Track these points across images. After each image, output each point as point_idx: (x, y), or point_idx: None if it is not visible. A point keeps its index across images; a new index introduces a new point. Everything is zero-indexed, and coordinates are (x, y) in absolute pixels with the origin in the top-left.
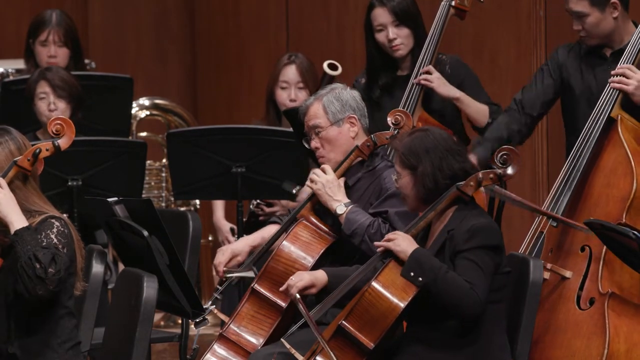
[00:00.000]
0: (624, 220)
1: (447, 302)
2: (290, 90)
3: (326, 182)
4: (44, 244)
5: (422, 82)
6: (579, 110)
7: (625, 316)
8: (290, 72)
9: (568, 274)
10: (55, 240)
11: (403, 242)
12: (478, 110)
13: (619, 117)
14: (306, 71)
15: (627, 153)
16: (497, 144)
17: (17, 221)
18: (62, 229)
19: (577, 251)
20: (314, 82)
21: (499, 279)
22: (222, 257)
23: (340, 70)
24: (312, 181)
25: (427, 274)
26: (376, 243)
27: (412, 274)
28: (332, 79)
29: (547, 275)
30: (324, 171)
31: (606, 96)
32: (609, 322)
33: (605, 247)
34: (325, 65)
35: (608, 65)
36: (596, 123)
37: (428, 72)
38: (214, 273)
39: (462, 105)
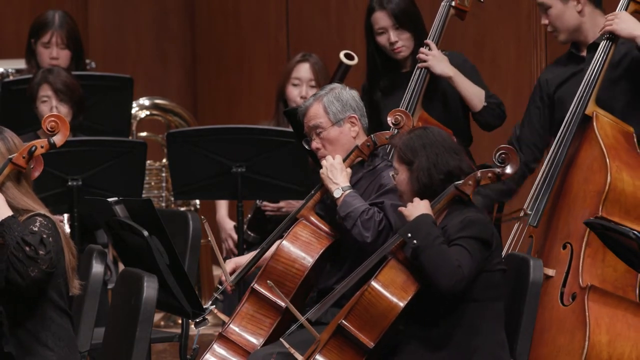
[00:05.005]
0: (600, 213)
1: (432, 272)
2: (302, 87)
3: (329, 166)
4: (31, 229)
5: (419, 57)
6: None
7: (607, 307)
8: (303, 70)
9: (551, 272)
10: (38, 231)
11: (413, 207)
12: (473, 92)
13: (594, 114)
14: (319, 71)
15: (602, 148)
16: (496, 195)
17: (1, 212)
18: (45, 223)
19: (559, 249)
20: (326, 83)
21: (494, 276)
22: (227, 269)
23: (357, 60)
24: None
25: (422, 238)
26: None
27: (409, 234)
28: (348, 69)
29: None
30: (333, 157)
31: (581, 94)
32: (590, 314)
33: (585, 243)
34: (341, 55)
35: (587, 65)
36: (572, 122)
37: (428, 47)
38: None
39: (455, 85)
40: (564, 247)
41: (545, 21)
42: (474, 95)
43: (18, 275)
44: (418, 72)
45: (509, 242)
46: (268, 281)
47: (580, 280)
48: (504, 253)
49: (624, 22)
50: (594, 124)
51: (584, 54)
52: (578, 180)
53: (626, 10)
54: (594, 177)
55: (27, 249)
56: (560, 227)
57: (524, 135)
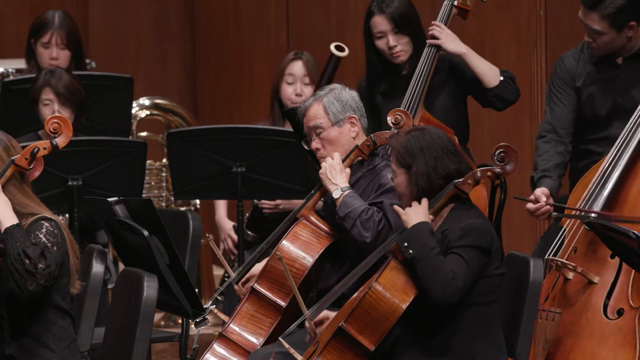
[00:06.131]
0: None
1: (427, 283)
2: (296, 85)
3: (329, 166)
4: (33, 241)
5: (430, 34)
6: (600, 119)
7: None
8: (297, 67)
9: (596, 279)
10: (44, 239)
11: (412, 213)
12: (487, 67)
13: None
14: (312, 68)
15: None
16: (559, 172)
17: (7, 219)
18: (51, 229)
19: (607, 258)
20: (319, 80)
21: (492, 281)
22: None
23: (347, 51)
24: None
25: (418, 248)
26: (395, 207)
27: (405, 244)
28: (339, 61)
29: (571, 275)
30: (332, 158)
31: None
32: None
33: None
34: (332, 46)
35: (622, 72)
36: (638, 124)
37: (439, 27)
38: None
39: (469, 62)
40: (612, 256)
41: (590, 40)
42: (489, 70)
43: (16, 286)
44: (422, 66)
45: (554, 244)
46: (277, 253)
47: (631, 300)
48: (549, 252)
49: None
50: None
51: (619, 60)
52: (637, 189)
53: None
54: None
55: (27, 262)
56: None
57: (559, 120)
